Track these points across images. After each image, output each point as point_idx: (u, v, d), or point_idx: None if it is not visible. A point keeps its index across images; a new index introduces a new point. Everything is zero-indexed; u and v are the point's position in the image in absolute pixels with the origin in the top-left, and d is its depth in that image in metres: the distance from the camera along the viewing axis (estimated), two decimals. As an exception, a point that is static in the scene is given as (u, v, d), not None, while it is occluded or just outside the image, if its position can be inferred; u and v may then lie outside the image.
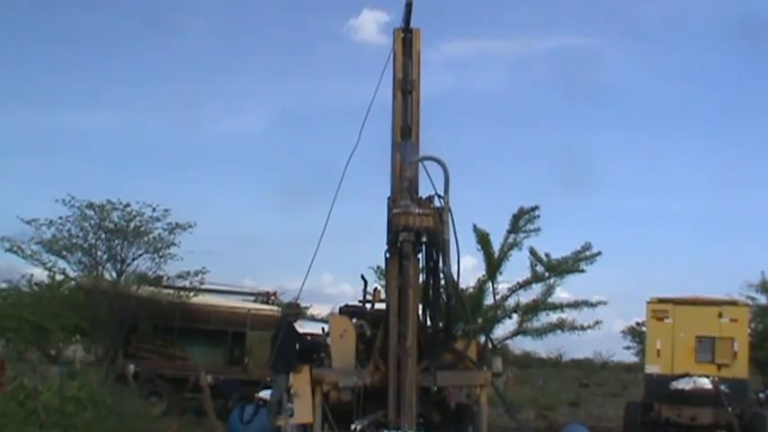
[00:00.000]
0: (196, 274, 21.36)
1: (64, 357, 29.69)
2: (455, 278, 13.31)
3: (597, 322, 23.35)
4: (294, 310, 15.36)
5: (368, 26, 71.60)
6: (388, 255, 13.70)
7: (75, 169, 61.90)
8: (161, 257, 21.11)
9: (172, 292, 21.24)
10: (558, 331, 23.24)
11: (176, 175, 66.77)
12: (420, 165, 13.58)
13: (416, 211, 12.95)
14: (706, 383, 17.50)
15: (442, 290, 13.38)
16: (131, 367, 19.42)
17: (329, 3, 75.99)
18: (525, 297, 23.07)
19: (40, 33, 68.31)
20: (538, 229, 22.58)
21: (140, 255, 20.94)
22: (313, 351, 14.72)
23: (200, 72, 70.73)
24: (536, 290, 22.98)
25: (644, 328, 21.42)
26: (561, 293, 23.69)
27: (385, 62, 14.00)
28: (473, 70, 73.41)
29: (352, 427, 12.99)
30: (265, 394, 14.77)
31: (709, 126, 76.91)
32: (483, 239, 22.71)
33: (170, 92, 68.35)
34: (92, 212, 20.57)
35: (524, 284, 22.87)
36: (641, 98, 73.42)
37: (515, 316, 23.21)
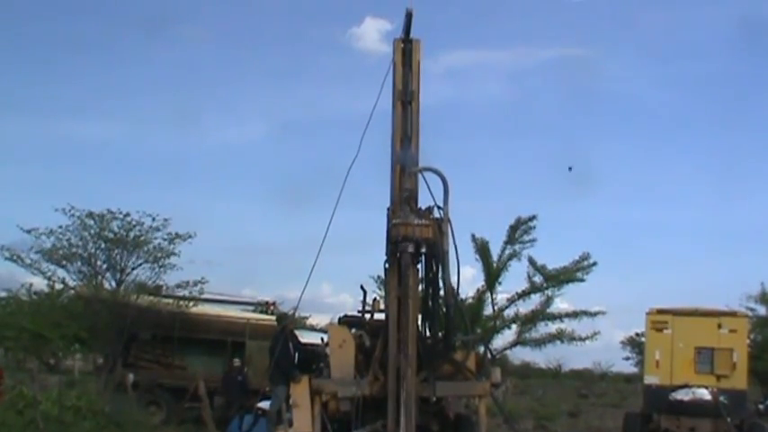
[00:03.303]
0: (195, 283, 21.37)
1: (63, 366, 29.69)
2: (454, 289, 13.35)
3: (596, 333, 23.44)
4: (284, 322, 15.38)
5: (370, 35, 71.51)
6: (387, 265, 13.72)
7: (75, 178, 61.86)
8: (161, 267, 21.07)
9: (171, 301, 21.25)
10: (558, 342, 23.31)
11: (176, 184, 66.65)
12: (419, 175, 13.62)
13: (416, 221, 12.97)
14: (705, 394, 17.49)
15: (441, 300, 13.39)
16: (130, 376, 19.38)
17: (331, 11, 75.98)
18: (524, 307, 23.14)
19: (39, 41, 68.51)
20: (534, 240, 22.67)
21: (140, 264, 20.90)
22: (312, 361, 14.73)
23: (200, 81, 70.72)
24: (535, 300, 23.07)
25: (643, 339, 21.41)
26: (560, 304, 23.77)
27: (385, 72, 14.07)
28: (473, 80, 73.40)
29: (351, 437, 12.99)
30: (265, 404, 14.78)
31: (709, 136, 76.93)
32: (482, 249, 22.75)
33: (170, 101, 68.27)
34: (92, 222, 20.54)
35: (523, 295, 22.93)
36: (641, 108, 73.33)
37: (514, 326, 23.29)
